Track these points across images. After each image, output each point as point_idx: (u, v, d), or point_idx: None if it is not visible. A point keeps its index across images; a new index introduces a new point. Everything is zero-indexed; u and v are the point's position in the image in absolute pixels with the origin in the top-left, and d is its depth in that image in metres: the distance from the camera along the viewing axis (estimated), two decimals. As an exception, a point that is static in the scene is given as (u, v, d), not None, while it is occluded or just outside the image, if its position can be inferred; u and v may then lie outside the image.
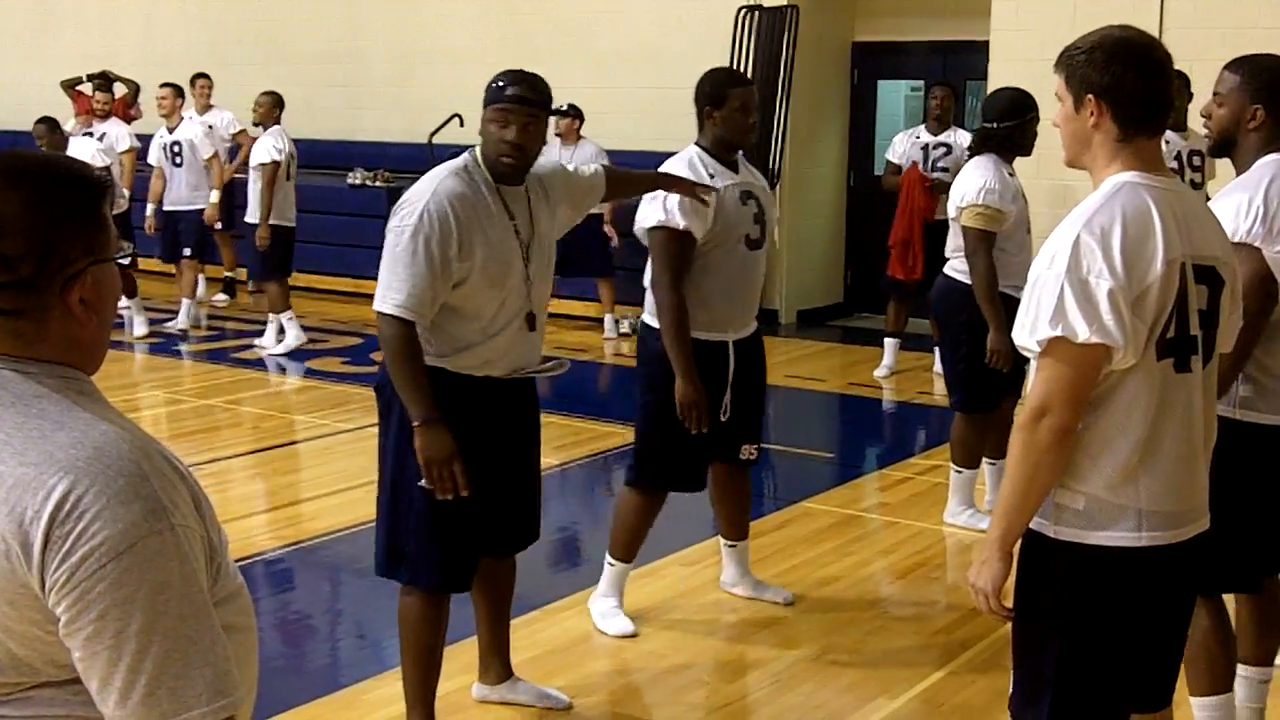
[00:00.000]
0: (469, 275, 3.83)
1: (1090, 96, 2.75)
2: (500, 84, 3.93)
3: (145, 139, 12.05)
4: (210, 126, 11.93)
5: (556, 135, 11.09)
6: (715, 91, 4.86)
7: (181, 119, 11.52)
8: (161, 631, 1.67)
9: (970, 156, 6.18)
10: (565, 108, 11.02)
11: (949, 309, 6.13)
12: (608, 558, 5.19)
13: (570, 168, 4.41)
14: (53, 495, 1.65)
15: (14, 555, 1.66)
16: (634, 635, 5.07)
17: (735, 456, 5.14)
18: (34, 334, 1.76)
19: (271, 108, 10.53)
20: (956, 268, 6.03)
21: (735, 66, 10.94)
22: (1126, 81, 2.74)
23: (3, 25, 16.38)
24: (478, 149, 3.99)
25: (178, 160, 11.42)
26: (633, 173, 4.90)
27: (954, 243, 6.07)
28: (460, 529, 3.98)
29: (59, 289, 1.76)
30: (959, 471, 6.33)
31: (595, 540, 6.36)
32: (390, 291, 3.79)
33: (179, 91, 11.59)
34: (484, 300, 3.89)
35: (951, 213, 5.99)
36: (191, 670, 1.69)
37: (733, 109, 4.82)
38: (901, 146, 9.75)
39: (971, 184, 5.87)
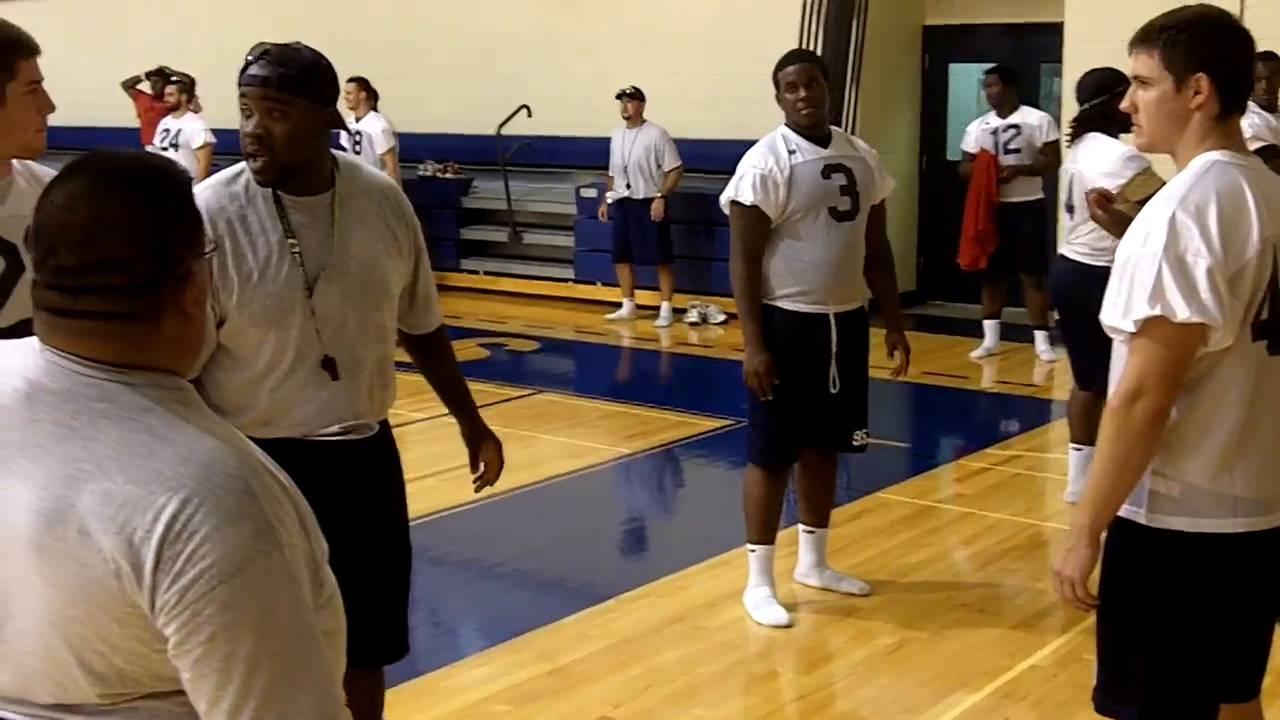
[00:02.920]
0: (226, 313, 3.06)
1: (1201, 75, 2.68)
2: (246, 60, 3.06)
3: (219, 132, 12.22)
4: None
5: (625, 118, 11.10)
6: (774, 74, 4.99)
7: (367, 111, 11.93)
8: (269, 654, 1.65)
9: (1072, 140, 6.05)
10: (629, 90, 11.06)
11: (1068, 287, 6.03)
12: (747, 545, 5.19)
13: (421, 264, 3.42)
14: (163, 515, 1.62)
15: (124, 575, 1.64)
16: (789, 626, 5.03)
17: (847, 443, 5.20)
18: (146, 337, 1.74)
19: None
20: (1076, 249, 5.93)
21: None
22: (1235, 58, 2.72)
23: (78, 22, 16.56)
24: None
25: (358, 149, 11.90)
26: (447, 376, 3.67)
27: (1075, 223, 5.96)
28: None
29: (173, 289, 1.74)
30: (1078, 449, 6.23)
31: (666, 529, 6.34)
32: None
33: (363, 84, 11.97)
34: (252, 343, 3.10)
35: (1080, 194, 5.84)
36: (298, 693, 1.67)
37: (783, 89, 4.95)
38: (974, 134, 9.75)
39: (1108, 164, 5.69)
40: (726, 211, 5.00)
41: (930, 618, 5.13)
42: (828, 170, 4.94)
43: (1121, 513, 2.74)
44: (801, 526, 5.41)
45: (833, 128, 5.11)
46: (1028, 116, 9.56)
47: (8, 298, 2.86)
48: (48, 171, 3.03)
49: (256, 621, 1.65)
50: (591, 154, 12.16)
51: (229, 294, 3.05)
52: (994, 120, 9.63)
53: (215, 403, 3.09)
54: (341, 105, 12.23)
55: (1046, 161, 9.46)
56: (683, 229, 11.48)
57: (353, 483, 3.24)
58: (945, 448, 8.26)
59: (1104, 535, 2.78)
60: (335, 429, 3.20)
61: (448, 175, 13.26)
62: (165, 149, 12.14)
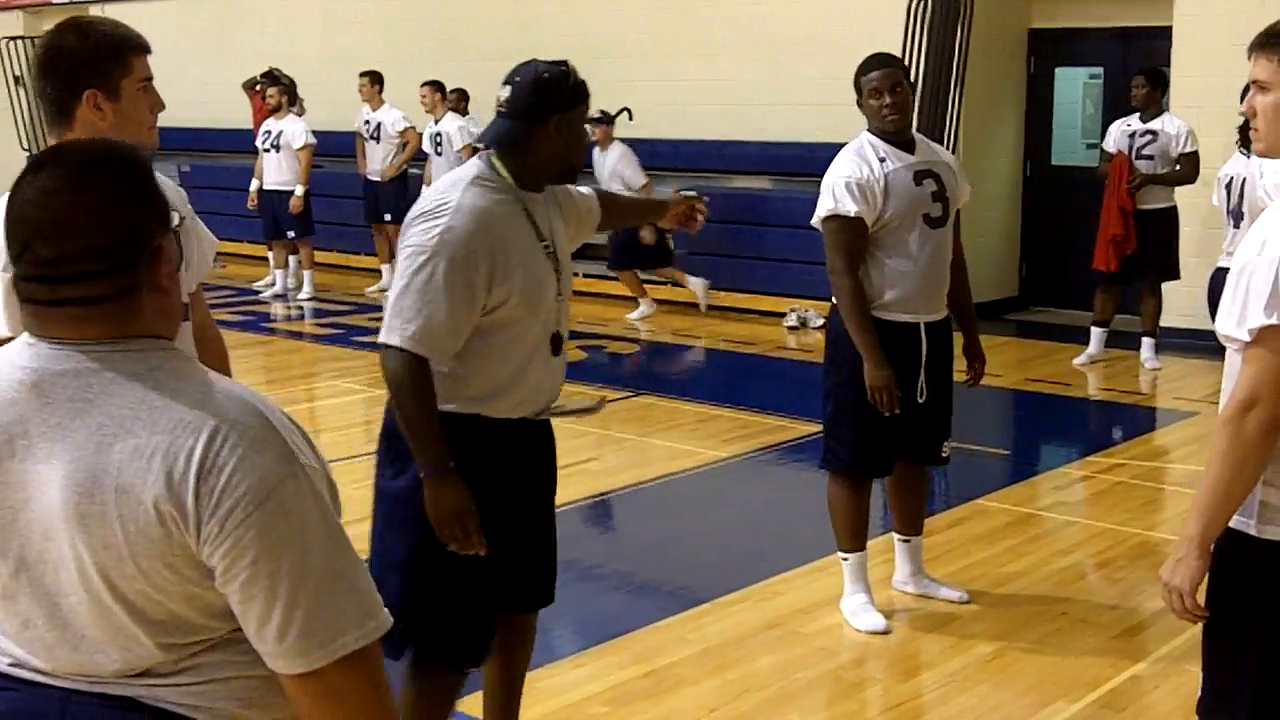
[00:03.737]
0: (505, 301, 3.31)
1: None
2: (573, 84, 3.39)
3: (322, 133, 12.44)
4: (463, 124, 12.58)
5: (593, 143, 11.49)
6: (856, 81, 4.89)
7: (445, 113, 12.36)
8: (310, 568, 1.78)
9: (1248, 148, 5.93)
10: (596, 114, 11.38)
11: None
12: (839, 554, 5.16)
13: (571, 193, 3.77)
14: (194, 455, 1.75)
15: (169, 519, 1.75)
16: (886, 632, 5.01)
17: (935, 455, 5.13)
18: (130, 313, 1.85)
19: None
20: None
21: (907, 55, 10.79)
22: None
23: (186, 25, 16.90)
24: (492, 156, 3.42)
25: (439, 150, 12.31)
26: (625, 197, 4.28)
27: (1243, 231, 5.85)
28: (485, 592, 3.45)
29: (146, 267, 1.85)
30: None
31: (764, 534, 6.33)
32: (399, 321, 3.23)
33: (439, 87, 12.36)
34: (521, 330, 3.37)
35: (1252, 201, 5.71)
36: (340, 599, 1.80)
37: (866, 95, 4.85)
38: (1114, 134, 9.53)
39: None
40: (819, 227, 4.87)
41: (1029, 627, 5.08)
42: (919, 176, 4.85)
43: (1231, 523, 2.69)
44: (896, 535, 5.37)
45: (914, 133, 5.01)
46: (1167, 124, 9.28)
47: None
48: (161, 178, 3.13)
49: (294, 539, 1.77)
50: (693, 157, 12.19)
51: (506, 285, 3.29)
52: (1135, 123, 9.41)
53: (477, 393, 3.36)
54: (417, 108, 12.68)
55: (1180, 174, 9.25)
56: (782, 233, 11.48)
57: (551, 452, 3.65)
58: (1047, 455, 8.17)
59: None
60: (553, 407, 3.55)
61: (551, 178, 13.37)
62: (267, 150, 12.40)
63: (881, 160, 4.82)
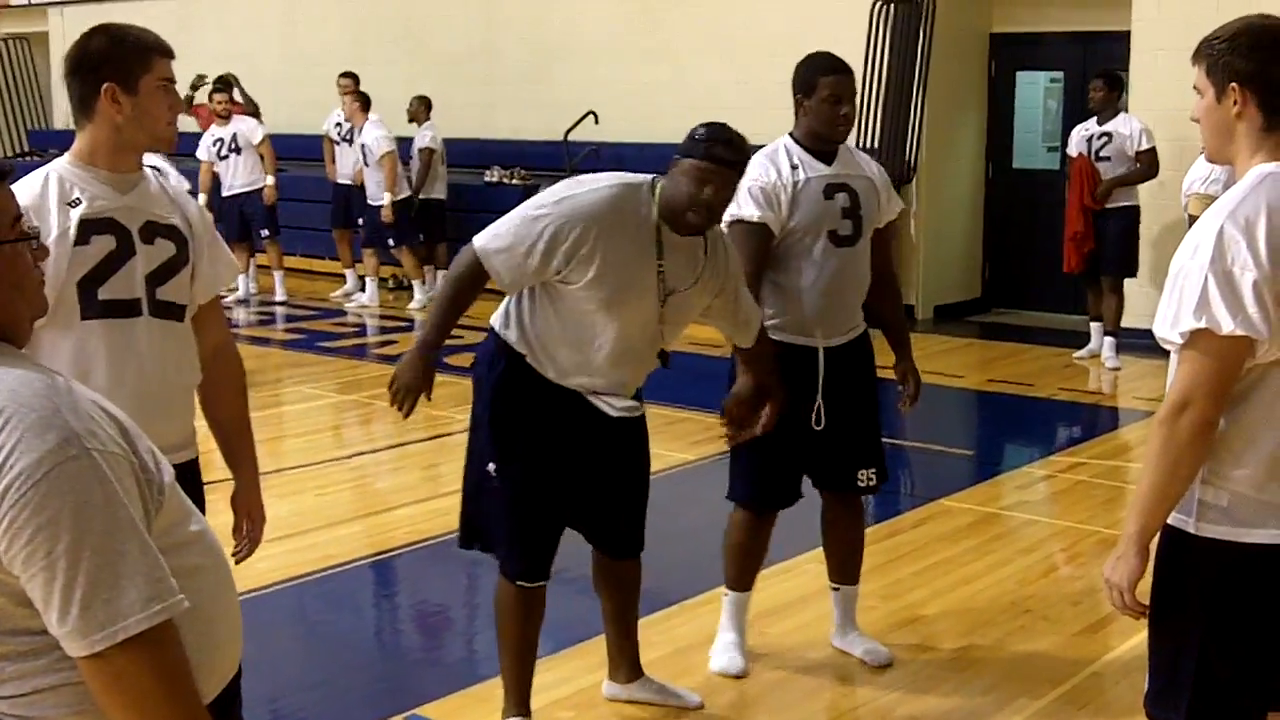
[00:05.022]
0: (579, 282, 3.81)
1: (1234, 85, 2.69)
2: (702, 137, 3.84)
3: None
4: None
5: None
6: (807, 78, 4.49)
7: (364, 122, 12.23)
8: (90, 548, 1.79)
9: None
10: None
11: None
12: (722, 588, 4.85)
13: (739, 295, 4.15)
14: None
15: None
16: (740, 676, 4.70)
17: (849, 483, 4.71)
18: None
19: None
20: None
21: (870, 58, 10.86)
22: (1272, 69, 2.69)
23: (145, 25, 16.80)
24: (660, 182, 3.93)
25: (366, 162, 12.23)
26: (766, 353, 4.32)
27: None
28: (538, 519, 4.07)
29: None
30: None
31: (731, 536, 6.36)
32: (491, 236, 3.86)
33: (361, 98, 12.33)
34: (591, 319, 3.86)
35: (1183, 201, 5.87)
36: (123, 581, 1.81)
37: (821, 98, 4.44)
38: (1075, 138, 9.77)
39: (1198, 172, 5.76)
40: (724, 230, 4.45)
41: (992, 625, 5.14)
42: (830, 190, 4.49)
43: (1171, 520, 2.75)
44: (829, 582, 4.96)
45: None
46: (1121, 125, 9.52)
47: (113, 274, 3.16)
48: (180, 181, 3.28)
49: (71, 518, 1.78)
50: (658, 160, 12.14)
51: (588, 270, 3.78)
52: (1092, 126, 9.65)
53: (528, 342, 3.95)
54: (382, 112, 12.42)
55: (1141, 172, 9.45)
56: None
57: (606, 430, 4.11)
58: (1009, 455, 8.24)
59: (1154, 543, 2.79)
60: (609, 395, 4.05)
61: (514, 181, 13.35)
62: (225, 157, 12.31)
63: (794, 168, 4.48)
